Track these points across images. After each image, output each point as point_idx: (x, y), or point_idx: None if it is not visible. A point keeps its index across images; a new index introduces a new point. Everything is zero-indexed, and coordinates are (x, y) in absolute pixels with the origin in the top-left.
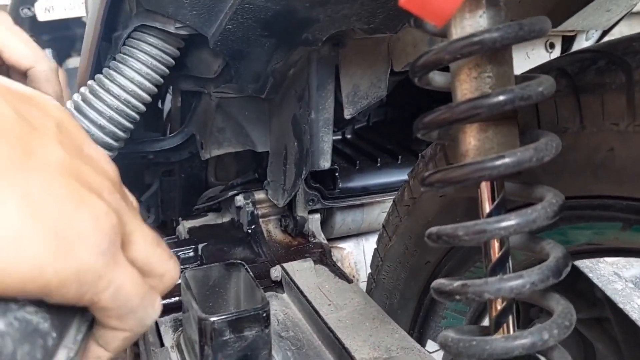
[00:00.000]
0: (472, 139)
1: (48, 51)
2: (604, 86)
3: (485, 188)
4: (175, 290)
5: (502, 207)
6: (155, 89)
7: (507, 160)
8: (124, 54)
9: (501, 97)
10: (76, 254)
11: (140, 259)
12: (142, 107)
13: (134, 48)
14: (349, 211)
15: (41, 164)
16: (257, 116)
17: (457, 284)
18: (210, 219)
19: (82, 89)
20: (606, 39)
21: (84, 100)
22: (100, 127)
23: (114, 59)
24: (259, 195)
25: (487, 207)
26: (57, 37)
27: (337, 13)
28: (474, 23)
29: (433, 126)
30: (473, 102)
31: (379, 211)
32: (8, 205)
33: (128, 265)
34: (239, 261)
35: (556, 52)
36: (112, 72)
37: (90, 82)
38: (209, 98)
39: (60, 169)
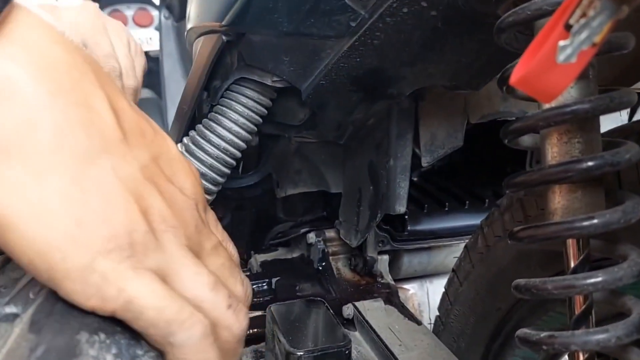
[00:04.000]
0: (561, 199)
1: None
2: None
3: (571, 244)
4: (255, 322)
5: (587, 264)
6: (250, 137)
7: (596, 221)
8: (223, 105)
9: (591, 163)
10: (88, 250)
11: (189, 296)
12: (238, 154)
13: (232, 100)
14: (416, 253)
15: (109, 167)
16: (332, 159)
17: (544, 334)
18: (280, 253)
19: (185, 140)
20: None
21: (188, 150)
22: (202, 175)
23: (211, 107)
24: (330, 233)
25: (572, 263)
26: None
27: (423, 72)
28: (565, 93)
29: (524, 186)
30: (565, 166)
31: (445, 254)
32: (54, 178)
33: (149, 276)
34: (319, 298)
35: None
36: (211, 123)
37: (192, 132)
38: (288, 141)
39: (126, 181)
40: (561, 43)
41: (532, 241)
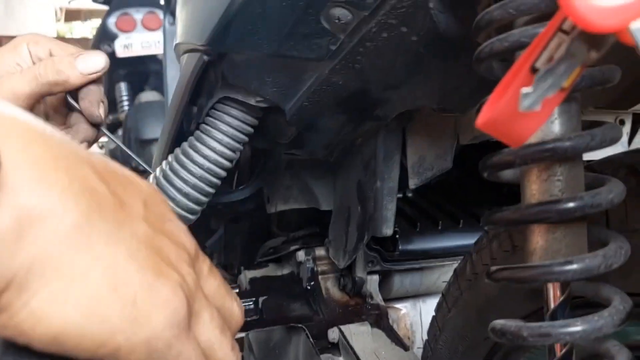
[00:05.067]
0: (539, 239)
1: (123, 85)
2: None
3: (551, 286)
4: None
5: (566, 307)
6: (236, 156)
7: (574, 266)
8: (207, 124)
9: (571, 204)
10: (150, 323)
11: (203, 340)
12: (223, 174)
13: (217, 119)
14: (408, 273)
15: (129, 236)
16: (323, 176)
17: None
18: (270, 270)
19: (170, 157)
20: None
21: (171, 169)
22: (186, 195)
23: (198, 125)
24: (320, 251)
25: (551, 305)
26: (133, 72)
27: (409, 95)
28: (545, 128)
29: (502, 224)
30: (543, 207)
31: (438, 275)
32: (93, 276)
33: (195, 341)
34: (300, 325)
35: (626, 129)
36: (196, 142)
37: (176, 150)
38: (279, 157)
39: (144, 241)
40: (524, 90)
41: (509, 283)
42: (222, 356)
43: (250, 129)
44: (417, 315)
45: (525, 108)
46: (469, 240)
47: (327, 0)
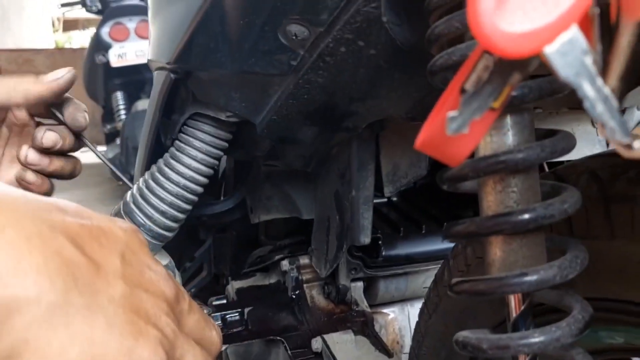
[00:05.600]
0: (497, 251)
1: (120, 94)
2: (635, 198)
3: (511, 297)
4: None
5: (528, 317)
6: (212, 171)
7: (529, 278)
8: (181, 141)
9: (525, 216)
10: None
11: None
12: (199, 190)
13: (189, 136)
14: (392, 279)
15: (106, 303)
16: (303, 185)
17: None
18: (258, 279)
19: (146, 175)
20: None
21: (148, 187)
22: (162, 213)
23: (172, 142)
24: (304, 260)
25: (513, 314)
26: (129, 81)
27: (375, 106)
28: (498, 140)
29: (460, 237)
30: (496, 219)
31: (423, 279)
32: (71, 353)
33: None
34: (279, 338)
35: None
36: (170, 160)
37: (153, 167)
38: (259, 168)
39: (122, 304)
40: (450, 114)
41: (469, 296)
42: None
43: (224, 144)
44: (405, 320)
45: (452, 132)
46: (452, 243)
47: (283, 17)
